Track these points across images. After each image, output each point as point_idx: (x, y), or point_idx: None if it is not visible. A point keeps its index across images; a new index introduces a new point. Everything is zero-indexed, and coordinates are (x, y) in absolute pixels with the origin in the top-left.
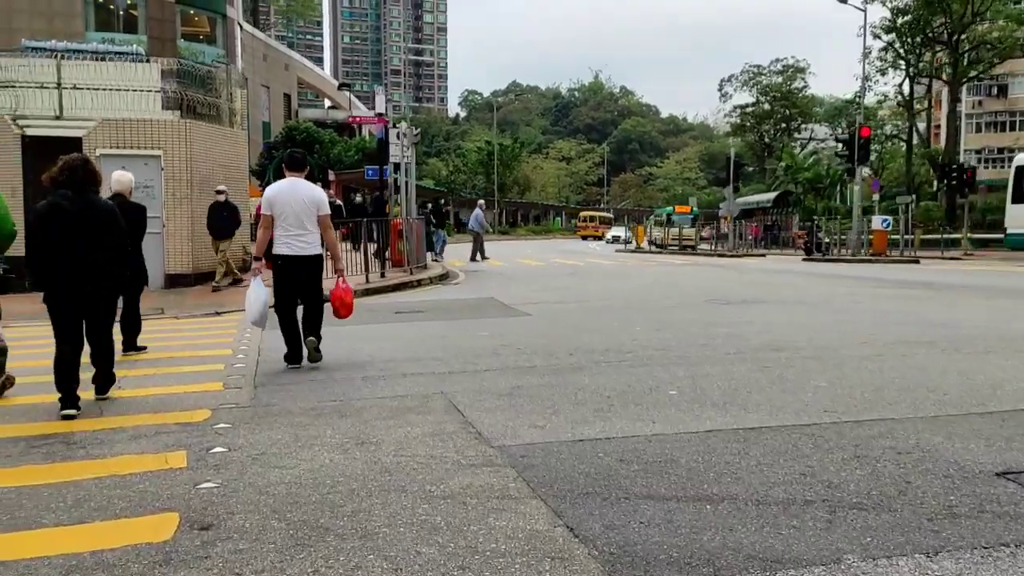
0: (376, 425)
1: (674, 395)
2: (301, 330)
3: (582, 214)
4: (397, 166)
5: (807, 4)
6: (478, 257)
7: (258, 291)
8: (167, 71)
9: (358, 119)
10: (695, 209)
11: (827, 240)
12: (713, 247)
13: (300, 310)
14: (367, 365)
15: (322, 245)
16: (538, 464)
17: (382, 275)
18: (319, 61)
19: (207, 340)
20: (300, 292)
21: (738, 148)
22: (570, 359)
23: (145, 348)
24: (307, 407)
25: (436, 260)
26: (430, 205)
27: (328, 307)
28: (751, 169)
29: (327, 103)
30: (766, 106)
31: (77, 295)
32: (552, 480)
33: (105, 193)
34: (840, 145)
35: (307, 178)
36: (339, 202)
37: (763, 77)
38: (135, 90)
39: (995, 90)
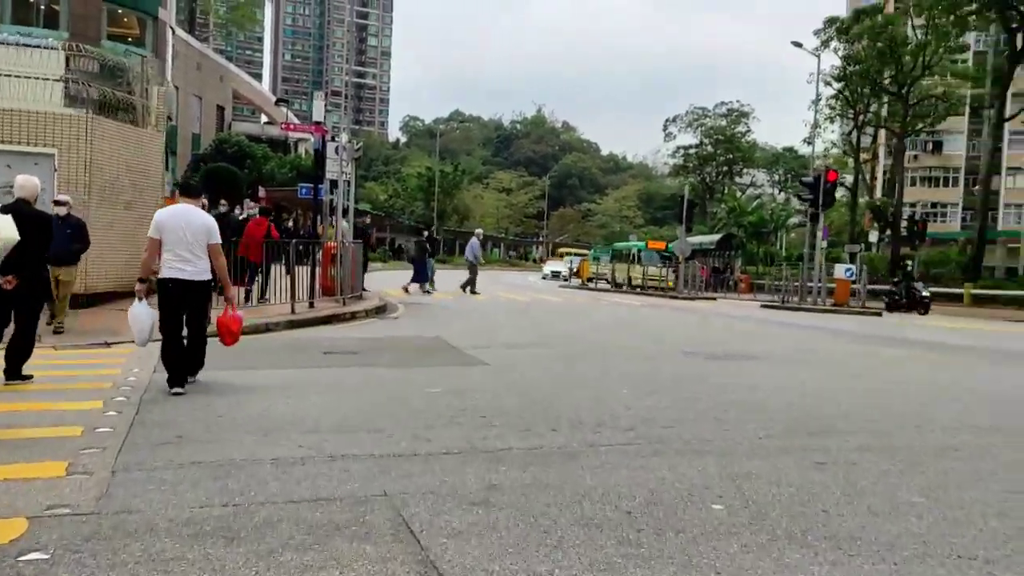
0: (285, 564)
1: (721, 512)
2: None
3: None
4: (334, 184)
5: (754, 51)
6: (467, 290)
7: (143, 311)
8: (72, 59)
9: (292, 126)
10: (671, 246)
11: (926, 295)
12: (664, 287)
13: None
14: (282, 436)
15: (212, 273)
16: None
17: (311, 305)
18: (258, 77)
19: (78, 385)
20: (187, 317)
21: (679, 189)
22: (554, 437)
23: (31, 377)
24: (182, 518)
25: (427, 292)
26: (425, 233)
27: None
28: (694, 210)
29: (263, 118)
30: (709, 148)
31: None
32: None
33: None
34: (800, 188)
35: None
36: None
37: (708, 119)
38: (30, 77)
39: (931, 146)
